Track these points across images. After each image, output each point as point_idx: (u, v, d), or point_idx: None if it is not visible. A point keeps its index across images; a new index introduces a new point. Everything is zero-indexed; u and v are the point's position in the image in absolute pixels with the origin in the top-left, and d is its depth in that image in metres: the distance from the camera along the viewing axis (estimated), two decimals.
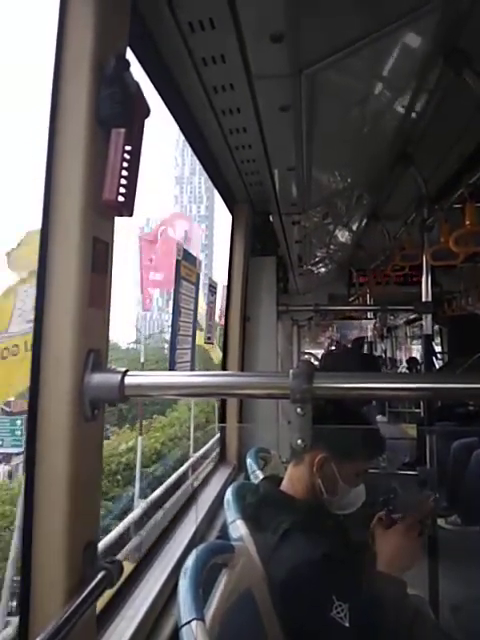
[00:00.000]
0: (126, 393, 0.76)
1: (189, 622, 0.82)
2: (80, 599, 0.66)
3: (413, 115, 1.59)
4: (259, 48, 1.05)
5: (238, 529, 1.18)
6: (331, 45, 1.07)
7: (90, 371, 0.75)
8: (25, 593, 0.72)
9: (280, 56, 1.07)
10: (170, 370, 1.47)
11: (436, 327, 6.07)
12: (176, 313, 1.51)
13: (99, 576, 0.72)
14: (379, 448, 1.36)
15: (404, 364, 8.54)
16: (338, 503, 1.23)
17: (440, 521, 2.69)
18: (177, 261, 1.55)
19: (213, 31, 1.02)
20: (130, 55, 0.89)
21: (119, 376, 0.76)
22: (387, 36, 1.06)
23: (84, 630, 0.73)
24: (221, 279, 2.44)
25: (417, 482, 2.07)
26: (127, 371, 0.77)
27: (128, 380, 0.76)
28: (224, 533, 1.25)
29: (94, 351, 0.77)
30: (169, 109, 1.35)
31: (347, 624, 0.96)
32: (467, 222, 1.85)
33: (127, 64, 0.78)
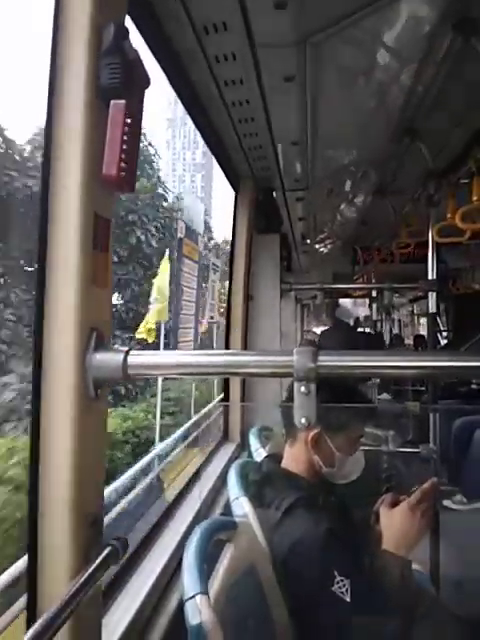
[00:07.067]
0: (129, 372, 0.75)
1: (193, 596, 0.84)
2: (86, 576, 0.67)
3: (420, 87, 1.54)
4: (262, 15, 1.01)
5: (241, 506, 1.19)
6: (337, 12, 1.03)
7: (93, 350, 0.74)
8: (32, 570, 0.73)
9: (284, 24, 1.03)
10: (173, 349, 1.46)
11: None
12: (178, 292, 1.50)
13: (105, 553, 0.72)
14: (368, 412, 1.35)
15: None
16: (338, 474, 1.23)
17: (446, 502, 2.72)
18: (179, 239, 1.53)
19: None
20: (128, 23, 0.86)
21: (122, 355, 0.75)
22: (395, 3, 1.03)
23: (90, 605, 0.75)
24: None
25: (419, 460, 2.08)
26: (130, 350, 0.76)
27: (131, 359, 0.75)
28: (227, 510, 1.26)
29: (97, 330, 0.76)
30: (169, 80, 1.31)
31: (348, 599, 0.97)
32: (474, 198, 1.81)
33: (126, 32, 0.75)
